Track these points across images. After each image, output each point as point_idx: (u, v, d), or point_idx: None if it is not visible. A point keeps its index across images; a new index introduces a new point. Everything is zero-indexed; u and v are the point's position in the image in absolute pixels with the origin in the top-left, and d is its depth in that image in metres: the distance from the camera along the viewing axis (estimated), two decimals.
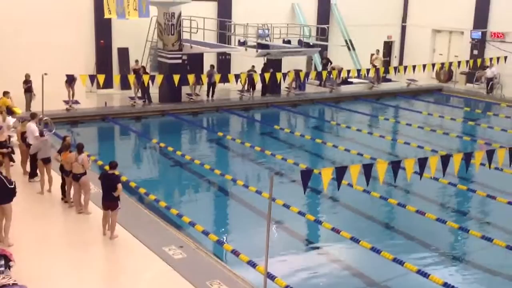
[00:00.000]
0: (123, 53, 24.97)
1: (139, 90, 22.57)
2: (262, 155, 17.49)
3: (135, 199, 13.19)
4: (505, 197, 13.83)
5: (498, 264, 10.93)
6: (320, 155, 18.57)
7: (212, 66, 24.39)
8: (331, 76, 24.97)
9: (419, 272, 10.06)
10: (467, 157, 10.73)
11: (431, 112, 24.42)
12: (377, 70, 27.03)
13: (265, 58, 25.56)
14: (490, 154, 10.99)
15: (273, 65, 25.42)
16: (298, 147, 18.88)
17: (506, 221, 12.93)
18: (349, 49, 29.35)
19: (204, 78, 22.82)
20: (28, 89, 19.20)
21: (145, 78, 21.11)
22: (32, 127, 13.34)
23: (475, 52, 29.98)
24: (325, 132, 20.77)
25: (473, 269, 10.97)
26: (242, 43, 25.23)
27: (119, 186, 10.62)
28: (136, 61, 23.84)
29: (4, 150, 13.08)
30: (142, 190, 13.73)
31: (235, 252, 10.55)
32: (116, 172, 10.83)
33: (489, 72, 28.05)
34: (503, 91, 27.36)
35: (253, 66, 25.11)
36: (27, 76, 19.03)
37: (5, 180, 10.04)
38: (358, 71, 25.67)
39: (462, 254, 11.76)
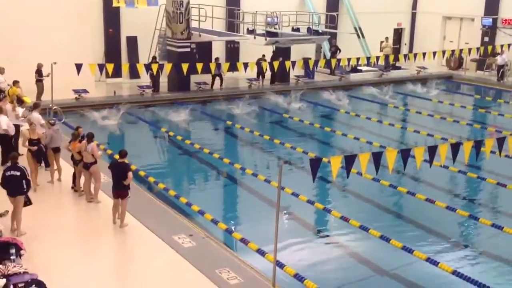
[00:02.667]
0: (132, 42, 24.94)
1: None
2: (271, 144, 17.48)
3: (144, 188, 13.24)
4: None
5: (508, 252, 10.89)
6: (329, 143, 18.52)
7: (217, 59, 24.26)
8: (341, 64, 24.82)
9: (428, 260, 10.05)
10: (477, 145, 10.65)
11: (441, 100, 24.25)
12: (386, 58, 26.82)
13: (274, 46, 25.46)
14: (500, 141, 10.90)
15: (282, 53, 25.32)
16: (307, 136, 18.84)
17: None
18: (358, 36, 29.14)
19: (213, 67, 22.77)
20: (40, 79, 19.25)
21: (154, 67, 21.10)
22: (36, 116, 13.43)
23: (486, 39, 29.68)
24: (333, 121, 20.69)
25: (482, 257, 10.94)
26: (251, 31, 25.12)
27: (130, 174, 10.67)
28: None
29: (34, 148, 12.30)
30: (151, 179, 13.79)
31: (244, 241, 10.58)
32: (126, 160, 10.87)
33: (499, 59, 27.78)
34: None
35: (263, 55, 25.02)
36: (39, 65, 19.05)
37: (26, 171, 10.13)
38: (368, 59, 25.50)
39: (472, 242, 11.72)
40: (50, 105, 17.63)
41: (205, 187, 14.79)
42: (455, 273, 9.59)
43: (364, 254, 10.94)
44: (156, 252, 9.93)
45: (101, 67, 19.68)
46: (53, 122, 12.91)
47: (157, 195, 12.74)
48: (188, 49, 23.38)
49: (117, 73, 21.81)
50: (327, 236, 11.93)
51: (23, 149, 12.80)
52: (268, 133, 18.53)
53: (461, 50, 27.56)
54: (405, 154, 9.79)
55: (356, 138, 17.92)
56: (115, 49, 24.44)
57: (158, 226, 10.74)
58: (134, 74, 22.27)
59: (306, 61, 24.00)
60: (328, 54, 28.15)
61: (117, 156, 11.02)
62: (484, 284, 9.18)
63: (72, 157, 12.25)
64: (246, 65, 21.49)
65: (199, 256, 9.67)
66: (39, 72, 19.23)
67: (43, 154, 12.52)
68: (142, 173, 14.05)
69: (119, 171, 10.71)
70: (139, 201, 11.79)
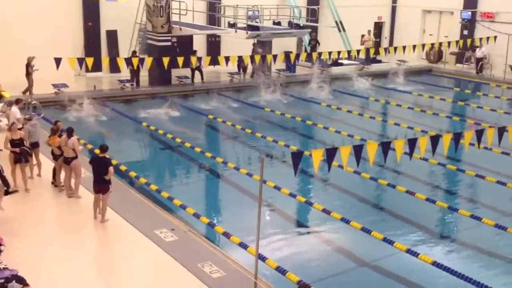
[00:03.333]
0: (112, 35, 24.73)
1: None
2: (253, 138, 17.49)
3: (125, 182, 13.17)
4: (494, 177, 13.95)
5: (486, 243, 11.06)
6: (311, 136, 18.58)
7: (195, 52, 24.15)
8: (322, 57, 24.87)
9: (408, 251, 10.17)
10: (457, 137, 10.77)
11: (421, 93, 24.47)
12: (367, 51, 26.95)
13: (256, 40, 25.42)
14: (479, 134, 11.04)
15: (263, 47, 25.29)
16: (289, 129, 18.87)
17: (495, 200, 13.06)
18: (339, 30, 29.23)
19: (194, 61, 22.68)
20: (30, 72, 19.02)
21: (135, 61, 20.96)
22: (14, 111, 13.28)
23: (465, 32, 29.98)
24: (314, 115, 20.75)
25: (462, 248, 11.09)
26: (232, 25, 25.06)
27: (111, 169, 10.60)
28: None
29: (17, 150, 11.84)
30: (132, 174, 13.72)
31: (226, 234, 10.60)
32: (107, 155, 10.80)
33: (478, 53, 28.10)
34: (493, 71, 27.44)
35: (256, 45, 24.94)
36: (30, 59, 18.68)
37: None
38: (349, 52, 25.61)
39: (451, 233, 11.88)
40: (29, 99, 17.42)
41: (187, 181, 14.76)
42: (434, 264, 9.71)
43: (346, 246, 11.02)
44: (138, 247, 9.91)
45: (80, 61, 19.47)
46: (29, 117, 12.76)
47: (138, 190, 12.68)
48: (169, 43, 23.25)
49: (97, 67, 21.65)
50: (309, 229, 12.01)
51: (1, 144, 12.65)
52: (250, 127, 18.54)
53: (440, 44, 27.81)
54: (385, 147, 9.87)
55: (337, 131, 18.01)
56: (95, 43, 24.21)
57: (140, 221, 10.70)
58: (114, 68, 22.08)
59: (287, 54, 24.02)
60: (309, 48, 28.21)
61: (97, 151, 10.95)
62: (463, 275, 9.31)
63: (52, 152, 12.13)
64: (227, 59, 21.46)
65: (181, 250, 9.66)
66: (29, 66, 19.03)
67: (29, 154, 12.15)
68: (123, 168, 13.97)
69: (100, 166, 10.64)
70: (120, 196, 11.73)
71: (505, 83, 26.27)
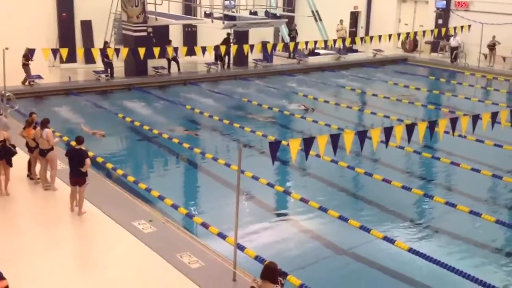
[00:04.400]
0: (86, 26, 24.39)
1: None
2: (230, 128, 17.49)
3: (102, 174, 13.08)
4: (468, 164, 14.19)
5: (461, 229, 11.26)
6: (288, 126, 18.63)
7: (170, 42, 24.00)
8: (299, 47, 24.93)
9: (385, 238, 10.31)
10: (432, 125, 10.91)
11: (396, 82, 24.70)
12: (343, 41, 27.07)
13: (233, 30, 25.34)
14: (453, 122, 11.21)
15: (239, 37, 25.24)
16: (266, 119, 18.88)
17: (469, 187, 13.29)
18: (316, 20, 29.29)
19: (171, 51, 22.54)
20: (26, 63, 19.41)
21: (109, 52, 20.77)
22: None
23: (440, 21, 30.30)
24: (292, 103, 20.80)
25: (437, 234, 11.27)
26: (208, 15, 24.91)
27: (88, 161, 10.51)
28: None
29: None
30: (109, 165, 13.63)
31: (204, 225, 10.61)
32: (83, 147, 10.70)
33: (453, 42, 28.43)
34: (467, 60, 27.80)
35: (228, 36, 24.89)
36: (27, 50, 18.71)
37: None
38: (325, 42, 25.68)
39: (427, 220, 12.05)
40: (3, 91, 17.13)
41: (165, 173, 14.71)
42: (410, 250, 9.87)
43: (324, 235, 11.12)
44: (116, 239, 9.87)
45: (54, 52, 19.20)
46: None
47: (116, 182, 12.61)
48: (145, 33, 23.03)
49: (71, 58, 21.37)
50: (287, 218, 12.08)
51: None
52: (228, 118, 18.53)
53: (415, 33, 28.04)
54: (362, 136, 9.97)
55: (315, 121, 18.12)
56: (69, 33, 23.86)
57: (118, 213, 10.64)
58: (89, 59, 21.81)
59: (264, 44, 23.99)
60: (287, 38, 28.24)
61: (73, 143, 10.83)
62: (438, 260, 9.48)
63: (27, 144, 11.97)
64: (204, 49, 21.36)
65: (159, 241, 9.65)
66: (26, 56, 19.02)
67: (12, 154, 11.54)
68: (100, 160, 13.87)
69: (76, 158, 10.54)
70: (97, 188, 11.65)
71: (479, 72, 26.67)
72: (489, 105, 20.52)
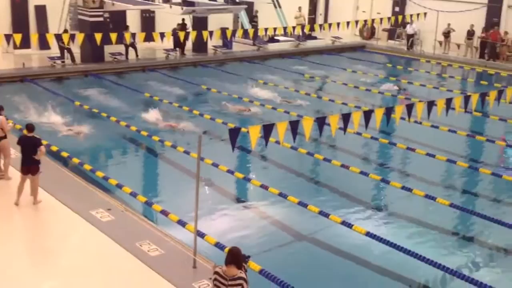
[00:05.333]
0: (41, 11, 23.71)
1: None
2: (190, 115, 17.36)
3: (59, 163, 12.82)
4: (423, 149, 14.52)
5: (417, 212, 11.54)
6: (247, 113, 18.61)
7: (127, 27, 23.61)
8: (259, 34, 24.92)
9: (343, 223, 10.47)
10: (388, 112, 11.10)
11: (355, 69, 24.98)
12: (301, 28, 27.16)
13: (191, 15, 25.10)
14: (409, 108, 11.43)
15: (198, 23, 25.02)
16: (225, 106, 18.82)
17: (425, 172, 13.62)
18: (275, 6, 29.26)
19: (128, 37, 22.16)
20: None
21: (65, 37, 20.29)
22: None
23: (397, 9, 30.74)
24: (251, 91, 20.79)
25: (394, 218, 11.53)
26: (167, 0, 24.60)
27: (42, 148, 10.26)
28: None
29: None
30: (65, 154, 13.36)
31: (164, 212, 10.55)
32: (36, 135, 10.42)
33: (409, 29, 28.90)
34: (423, 47, 28.32)
35: (178, 24, 24.65)
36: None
37: None
38: (285, 29, 25.72)
39: (384, 205, 12.31)
40: None
41: (123, 161, 14.53)
42: (368, 234, 10.06)
43: (283, 220, 11.23)
44: (73, 228, 9.71)
45: (8, 37, 18.63)
46: None
47: (72, 170, 12.38)
48: (101, 19, 22.58)
49: (25, 44, 20.77)
50: (247, 204, 12.12)
51: None
52: (187, 105, 18.39)
53: (373, 20, 28.39)
54: (320, 122, 10.05)
55: (274, 108, 18.18)
56: (23, 18, 23.15)
57: (75, 202, 10.47)
58: (43, 44, 21.23)
59: (223, 31, 23.86)
60: (246, 24, 28.14)
61: (25, 131, 10.54)
62: (394, 243, 9.70)
63: None
64: (162, 35, 21.10)
65: (118, 230, 9.55)
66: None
67: None
68: (54, 148, 13.58)
69: (29, 146, 10.26)
70: (53, 176, 11.43)
71: (434, 59, 27.24)
72: (444, 91, 21.00)
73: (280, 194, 11.66)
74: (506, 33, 26.73)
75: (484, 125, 17.97)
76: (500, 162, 15.25)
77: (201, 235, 9.42)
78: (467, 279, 8.78)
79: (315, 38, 29.83)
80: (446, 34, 28.03)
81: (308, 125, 9.82)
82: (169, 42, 23.59)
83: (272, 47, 27.91)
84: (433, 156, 14.04)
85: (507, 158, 15.55)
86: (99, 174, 12.28)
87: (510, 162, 15.19)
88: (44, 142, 10.87)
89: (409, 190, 12.07)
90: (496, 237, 10.66)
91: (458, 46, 28.14)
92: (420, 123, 15.09)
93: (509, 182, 12.88)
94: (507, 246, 10.33)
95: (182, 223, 10.08)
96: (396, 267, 9.39)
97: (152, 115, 16.83)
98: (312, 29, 26.77)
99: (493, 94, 12.94)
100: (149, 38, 21.59)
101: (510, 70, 25.01)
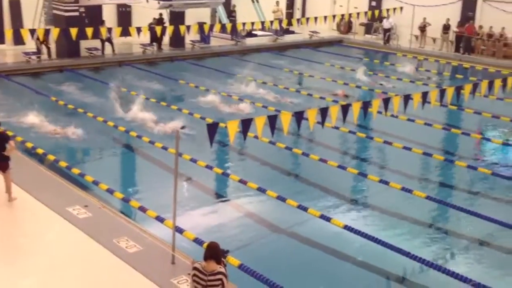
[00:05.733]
0: (15, 6, 23.33)
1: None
2: (167, 110, 17.26)
3: (34, 160, 12.65)
4: (400, 143, 14.66)
5: (394, 205, 11.65)
6: (226, 108, 18.57)
7: (103, 22, 23.38)
8: (236, 29, 24.87)
9: (321, 216, 10.53)
10: (365, 106, 11.19)
11: (332, 64, 25.08)
12: (279, 22, 27.19)
13: (168, 10, 24.92)
14: (386, 102, 11.52)
15: (176, 17, 24.86)
16: (203, 101, 18.75)
17: (401, 165, 13.75)
18: (253, 1, 29.21)
19: (104, 32, 21.94)
20: None
21: (40, 32, 20.00)
22: None
23: (373, 3, 30.93)
24: (230, 86, 20.77)
25: (371, 211, 11.63)
26: None
27: (11, 143, 10.06)
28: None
29: None
30: (40, 151, 13.19)
31: (142, 209, 10.48)
32: (1, 129, 10.21)
33: (386, 23, 29.13)
34: (399, 41, 28.56)
35: (155, 19, 24.49)
36: None
37: None
38: (262, 23, 25.72)
39: (362, 198, 12.40)
40: None
41: (100, 157, 14.38)
42: (346, 227, 10.13)
43: (262, 215, 11.24)
44: (50, 225, 9.59)
45: None
46: None
47: (48, 167, 12.23)
48: (77, 13, 22.31)
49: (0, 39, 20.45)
50: (226, 199, 12.12)
51: None
52: (165, 100, 18.28)
53: (350, 15, 28.53)
54: (298, 117, 10.08)
55: (252, 102, 18.17)
56: None
57: (51, 199, 10.34)
58: (18, 40, 20.90)
59: (201, 25, 23.74)
60: (224, 19, 28.04)
61: None
62: (372, 236, 9.78)
63: None
64: (139, 29, 20.92)
65: (95, 227, 9.46)
66: None
67: None
68: (29, 145, 13.39)
69: None
70: (29, 174, 11.28)
71: (410, 53, 27.48)
72: (419, 85, 21.20)
73: (259, 189, 11.68)
74: (481, 27, 27.10)
75: (460, 118, 18.20)
76: (475, 154, 15.46)
77: (180, 230, 9.39)
78: (443, 270, 8.90)
79: (292, 32, 29.88)
80: (422, 28, 28.30)
81: (286, 120, 9.85)
82: (146, 37, 23.40)
83: (250, 41, 27.88)
84: (410, 149, 14.19)
85: (482, 151, 15.78)
86: (75, 171, 12.15)
87: (485, 155, 15.41)
88: (18, 138, 10.72)
89: (386, 183, 12.18)
90: (471, 228, 10.83)
91: (434, 40, 28.44)
92: (397, 116, 15.22)
93: (484, 174, 13.08)
94: (482, 237, 10.49)
95: (160, 219, 10.03)
96: (374, 260, 9.47)
97: (130, 111, 16.70)
98: (289, 23, 26.80)
99: (468, 88, 13.12)
100: (125, 33, 21.39)
101: (485, 64, 25.37)
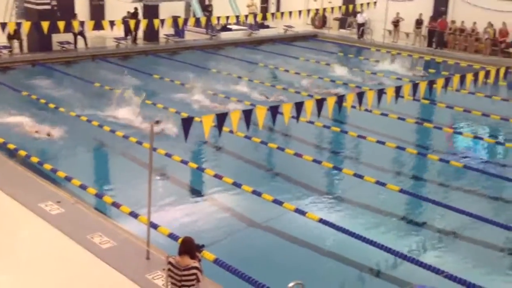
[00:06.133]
0: None
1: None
2: (142, 105, 17.09)
3: (5, 155, 12.42)
4: (374, 136, 14.79)
5: (368, 198, 11.75)
6: (201, 103, 18.49)
7: (75, 15, 23.05)
8: (210, 23, 24.75)
9: (296, 210, 10.57)
10: (340, 100, 11.24)
11: (307, 58, 25.15)
12: (253, 16, 27.16)
13: (142, 4, 24.68)
14: (360, 96, 11.59)
15: (150, 11, 24.64)
16: (178, 96, 18.64)
17: (375, 159, 13.88)
18: None
19: (76, 26, 21.61)
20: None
21: (11, 26, 19.63)
22: None
23: None
24: (205, 80, 20.67)
25: (346, 204, 11.71)
26: None
27: None
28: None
29: None
30: (11, 146, 12.96)
31: (115, 204, 10.38)
32: None
33: (360, 18, 29.30)
34: (373, 36, 28.77)
35: (128, 12, 24.23)
36: None
37: None
38: (237, 17, 25.64)
39: (336, 191, 12.48)
40: None
41: (73, 152, 14.17)
42: (321, 221, 10.19)
43: (238, 209, 11.24)
44: (21, 222, 9.45)
45: None
46: None
47: (19, 163, 12.02)
48: (48, 6, 21.95)
49: None
50: (201, 194, 12.08)
51: None
52: (139, 94, 18.09)
53: (324, 9, 28.61)
54: (274, 111, 10.08)
55: (227, 97, 18.13)
56: None
57: (22, 195, 10.18)
58: None
59: (175, 19, 23.56)
60: (198, 12, 27.89)
61: None
62: (347, 229, 9.86)
63: None
64: (112, 23, 20.67)
65: (68, 223, 9.35)
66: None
67: None
68: (0, 140, 13.14)
69: None
70: (0, 170, 11.06)
71: (384, 47, 27.71)
72: (393, 79, 21.39)
73: (234, 183, 11.66)
74: (453, 22, 27.45)
75: (432, 113, 18.44)
76: (447, 148, 15.68)
77: (155, 226, 9.32)
78: (416, 262, 9.02)
79: (267, 27, 29.86)
80: (395, 23, 28.56)
81: (261, 114, 9.84)
82: (119, 31, 23.13)
83: (225, 36, 27.78)
84: (383, 143, 14.32)
85: (455, 144, 16.02)
86: (47, 166, 11.97)
87: (457, 148, 15.65)
88: None
89: (361, 177, 12.28)
90: (444, 221, 10.99)
91: (407, 34, 28.71)
92: (371, 111, 15.34)
93: (456, 167, 13.28)
94: (455, 229, 10.65)
95: (134, 214, 9.95)
96: (348, 253, 9.55)
97: (103, 105, 16.50)
98: (264, 18, 26.77)
99: (440, 82, 13.27)
100: (98, 26, 21.10)
101: (457, 58, 25.72)
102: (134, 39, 24.83)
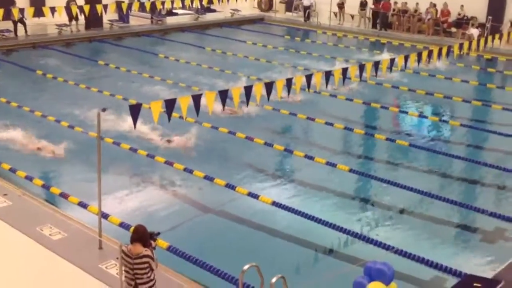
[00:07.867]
0: None
1: None
2: (87, 93, 16.72)
3: None
4: (322, 118, 14.98)
5: (319, 179, 11.93)
6: (148, 89, 18.23)
7: (13, 3, 22.21)
8: (155, 7, 24.32)
9: (249, 194, 10.63)
10: (288, 83, 11.30)
11: (255, 42, 25.12)
12: (199, 1, 26.84)
13: None
14: (308, 78, 11.69)
15: None
16: (125, 82, 18.31)
17: (325, 140, 14.11)
18: None
19: (16, 13, 20.80)
20: None
21: None
22: None
23: None
24: (152, 66, 20.38)
25: (298, 186, 11.85)
26: None
27: None
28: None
29: None
30: None
31: (63, 195, 10.16)
32: None
33: (305, 1, 29.43)
34: (319, 18, 28.99)
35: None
36: None
37: None
38: (183, 1, 25.25)
39: (288, 174, 12.60)
40: None
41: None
42: (274, 203, 10.28)
43: (191, 196, 11.20)
44: None
45: None
46: None
47: None
48: None
49: None
50: (152, 182, 11.93)
51: None
52: (85, 82, 17.67)
53: None
54: (223, 95, 10.03)
55: (176, 83, 17.93)
56: None
57: None
58: None
59: (119, 4, 23.02)
60: None
61: None
62: (300, 211, 10.00)
63: None
64: (53, 9, 20.01)
65: (17, 215, 9.09)
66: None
67: None
68: None
69: None
70: None
71: (330, 30, 27.98)
72: (340, 61, 21.66)
73: (185, 169, 11.59)
74: (395, 2, 27.94)
75: (378, 93, 18.80)
76: (393, 127, 16.07)
77: (105, 216, 9.18)
78: (367, 240, 9.26)
79: (214, 11, 29.61)
80: (341, 5, 28.86)
81: (210, 99, 9.77)
82: (61, 17, 22.42)
83: (171, 20, 27.39)
84: (332, 124, 14.53)
85: (400, 124, 16.42)
86: None
87: (403, 127, 16.05)
88: None
89: (311, 158, 12.44)
90: (393, 198, 11.27)
91: (352, 16, 29.07)
92: (319, 93, 15.51)
93: (402, 146, 13.63)
94: (403, 206, 10.96)
95: (83, 204, 9.77)
96: (302, 233, 9.68)
97: (46, 94, 16.03)
98: (210, 2, 26.50)
99: (385, 63, 13.53)
100: (38, 13, 20.38)
101: (401, 39, 26.26)
102: (77, 25, 24.10)
